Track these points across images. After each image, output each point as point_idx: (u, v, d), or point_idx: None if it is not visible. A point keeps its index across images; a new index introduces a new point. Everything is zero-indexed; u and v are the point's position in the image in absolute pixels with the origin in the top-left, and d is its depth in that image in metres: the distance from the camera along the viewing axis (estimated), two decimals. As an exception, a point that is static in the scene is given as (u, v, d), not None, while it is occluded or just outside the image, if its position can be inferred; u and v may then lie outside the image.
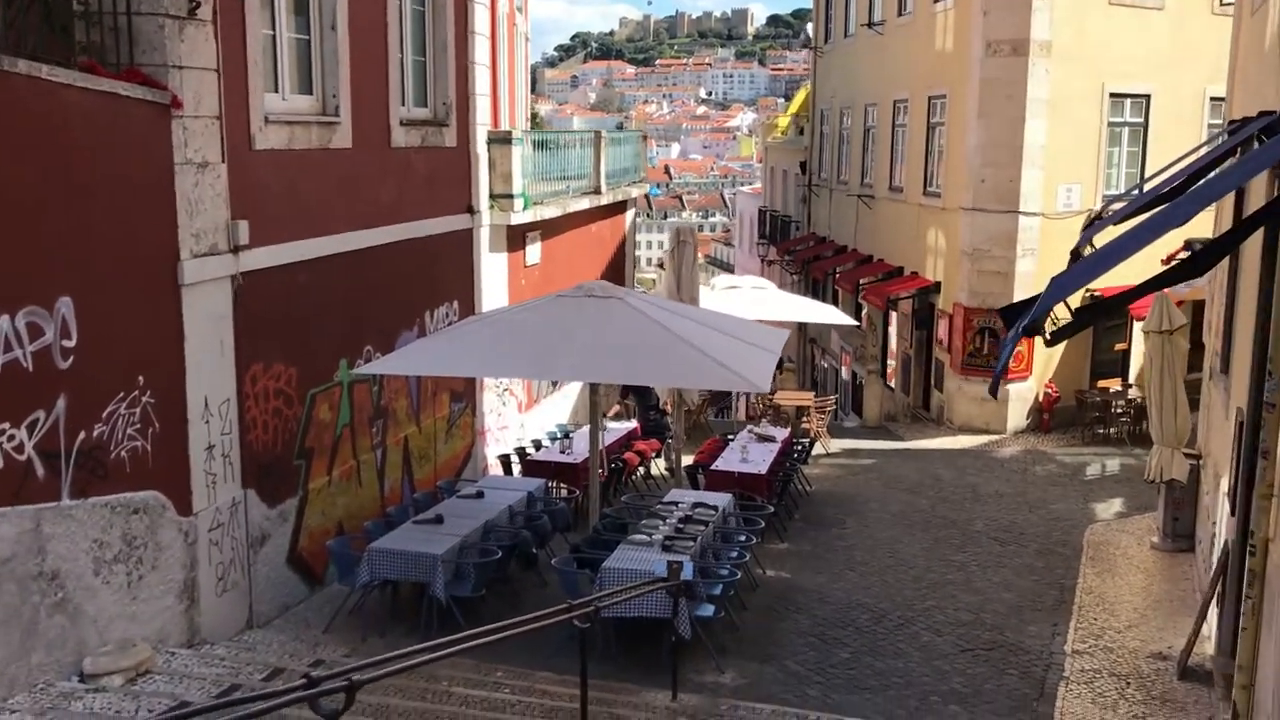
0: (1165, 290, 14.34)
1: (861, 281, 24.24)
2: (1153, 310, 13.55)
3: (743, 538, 11.16)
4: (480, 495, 11.76)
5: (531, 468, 13.88)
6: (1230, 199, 11.38)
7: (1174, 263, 14.16)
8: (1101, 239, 9.32)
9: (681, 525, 10.81)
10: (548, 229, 16.85)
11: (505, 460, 14.57)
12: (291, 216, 10.41)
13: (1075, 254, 8.24)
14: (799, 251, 31.48)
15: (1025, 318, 5.98)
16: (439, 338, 10.88)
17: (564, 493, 13.54)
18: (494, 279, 15.06)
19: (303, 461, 10.83)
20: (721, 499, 12.00)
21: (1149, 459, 13.58)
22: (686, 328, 10.17)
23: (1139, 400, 19.68)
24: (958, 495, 16.05)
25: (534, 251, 16.43)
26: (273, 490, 10.32)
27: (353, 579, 10.09)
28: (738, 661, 9.67)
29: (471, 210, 14.43)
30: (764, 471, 13.53)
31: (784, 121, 40.26)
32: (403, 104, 12.62)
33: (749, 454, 14.15)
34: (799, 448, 15.86)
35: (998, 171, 19.57)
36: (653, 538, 10.37)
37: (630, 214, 21.72)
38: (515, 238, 15.75)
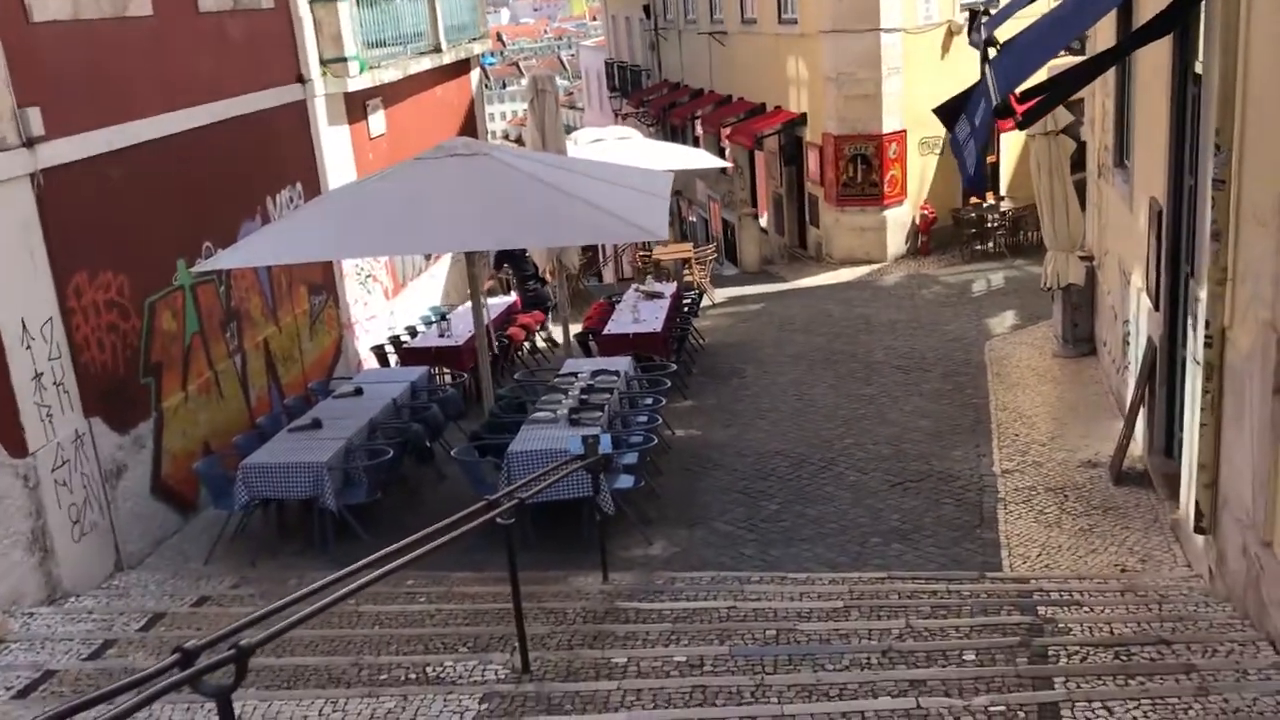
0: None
1: (724, 123, 23.31)
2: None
3: (650, 400, 10.44)
4: (359, 392, 10.72)
5: (410, 356, 12.81)
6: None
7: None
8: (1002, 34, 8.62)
9: (585, 396, 10.01)
10: (389, 95, 15.38)
11: (380, 351, 13.44)
12: (93, 100, 8.92)
13: (986, 44, 7.49)
14: (653, 100, 30.30)
15: (979, 105, 5.17)
16: (286, 222, 9.63)
17: (450, 378, 12.55)
18: (338, 155, 13.65)
19: (151, 379, 9.58)
20: (621, 363, 11.22)
21: (1044, 266, 13.29)
22: (567, 180, 9.18)
23: (1013, 212, 19.55)
24: (851, 328, 15.64)
25: (378, 121, 14.99)
26: (122, 415, 9.10)
27: (229, 502, 9.02)
28: (664, 529, 9.04)
29: (302, 79, 12.92)
30: (659, 329, 12.78)
31: (620, -34, 38.34)
32: (205, -39, 10.98)
33: (640, 313, 13.36)
34: (688, 301, 15.13)
35: (855, -12, 18.69)
36: (557, 413, 9.55)
37: (475, 74, 20.20)
38: (355, 107, 14.29)
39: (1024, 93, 4.67)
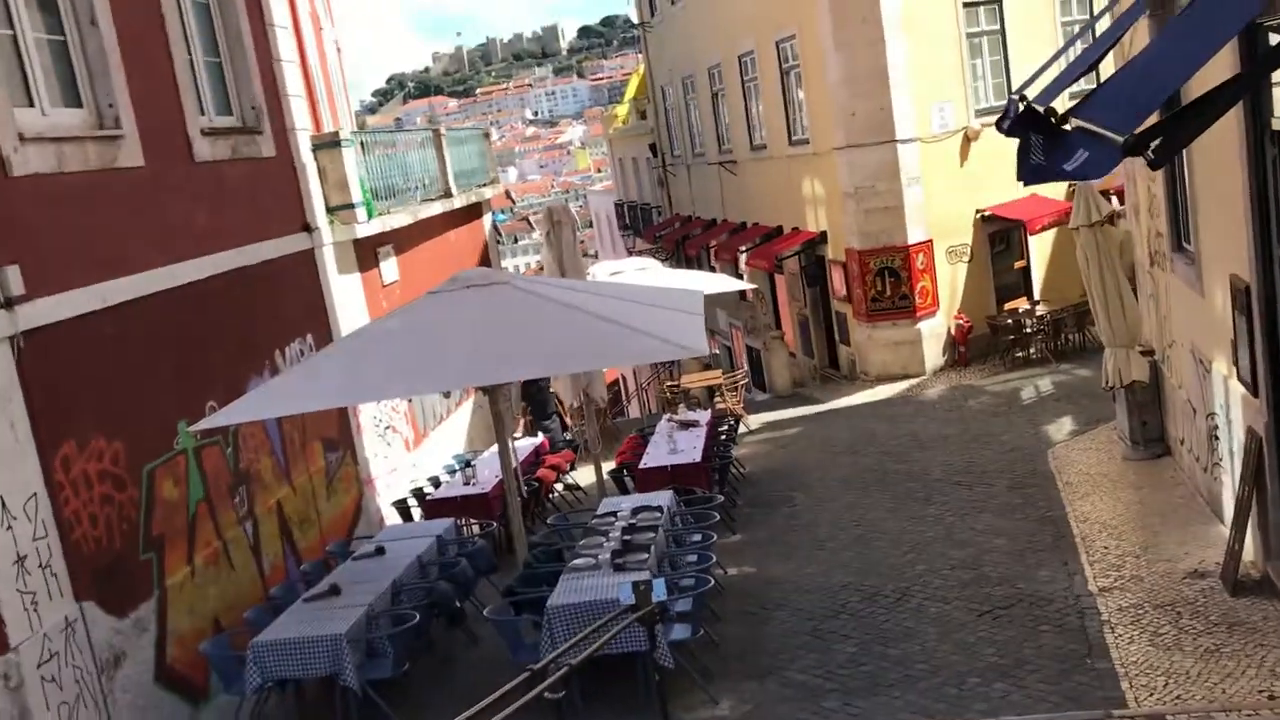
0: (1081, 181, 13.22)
1: (742, 248, 22.85)
2: (1076, 205, 12.43)
3: (699, 537, 9.49)
4: (380, 552, 9.82)
5: (434, 508, 11.92)
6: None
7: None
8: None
9: (628, 537, 9.07)
10: (401, 241, 14.92)
11: (402, 507, 12.56)
12: (80, 255, 8.31)
13: (1047, 113, 6.81)
14: (666, 235, 30.01)
15: (1072, 151, 4.38)
16: (294, 372, 8.90)
17: (478, 529, 11.64)
18: (349, 304, 13.06)
19: (152, 554, 8.70)
20: (662, 498, 10.31)
21: (1104, 365, 12.48)
22: (595, 303, 8.47)
23: (1050, 315, 18.78)
24: (900, 446, 14.71)
25: (390, 268, 14.48)
26: (119, 596, 8.19)
27: (241, 686, 8.05)
28: (730, 684, 7.99)
29: (308, 227, 12.41)
30: (699, 459, 11.90)
31: (623, 110, 38.83)
32: (202, 111, 10.57)
33: (677, 443, 12.49)
34: (724, 428, 14.28)
35: (867, 102, 18.37)
36: (599, 559, 8.61)
37: (488, 218, 19.89)
38: (366, 255, 13.78)
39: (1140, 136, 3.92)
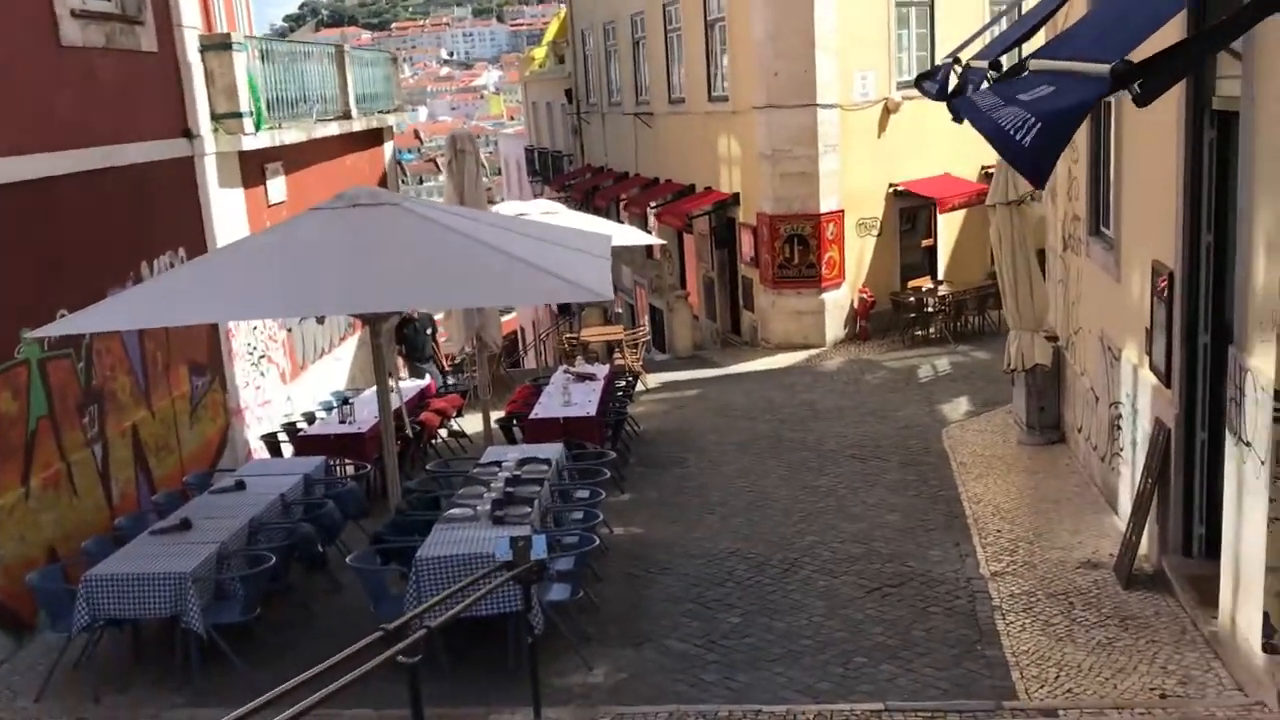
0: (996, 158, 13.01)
1: (652, 204, 22.30)
2: (995, 181, 12.18)
3: (587, 494, 8.99)
4: (240, 487, 9.08)
5: (306, 445, 11.17)
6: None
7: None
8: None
9: (510, 489, 8.51)
10: (292, 160, 13.98)
11: (272, 441, 11.76)
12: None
13: (991, 66, 6.40)
14: (576, 184, 29.29)
15: (1037, 89, 3.93)
16: (157, 283, 8.07)
17: (352, 470, 10.94)
18: (230, 220, 12.13)
19: (-20, 472, 7.87)
20: (551, 450, 9.77)
21: (1007, 347, 12.32)
22: (494, 235, 7.83)
23: (953, 296, 18.70)
24: (797, 415, 14.42)
25: (277, 187, 13.55)
26: (-64, 517, 7.37)
27: (67, 623, 7.29)
28: (607, 650, 7.52)
29: (189, 133, 11.45)
30: (594, 413, 11.37)
31: (541, 53, 37.76)
32: (74, -10, 9.57)
33: (571, 396, 11.94)
34: (622, 385, 13.78)
35: (790, 63, 17.91)
36: (477, 509, 8.04)
37: (389, 146, 18.91)
38: (252, 170, 12.84)
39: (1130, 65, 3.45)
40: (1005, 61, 7.06)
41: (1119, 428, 9.35)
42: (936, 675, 6.92)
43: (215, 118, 11.92)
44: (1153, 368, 8.11)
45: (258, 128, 12.39)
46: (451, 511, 8.09)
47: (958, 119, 6.08)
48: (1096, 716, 6.07)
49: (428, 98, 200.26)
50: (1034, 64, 4.67)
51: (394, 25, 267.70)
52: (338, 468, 11.00)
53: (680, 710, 6.52)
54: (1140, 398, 8.56)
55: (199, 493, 9.34)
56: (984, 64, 6.77)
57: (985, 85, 6.00)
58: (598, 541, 7.65)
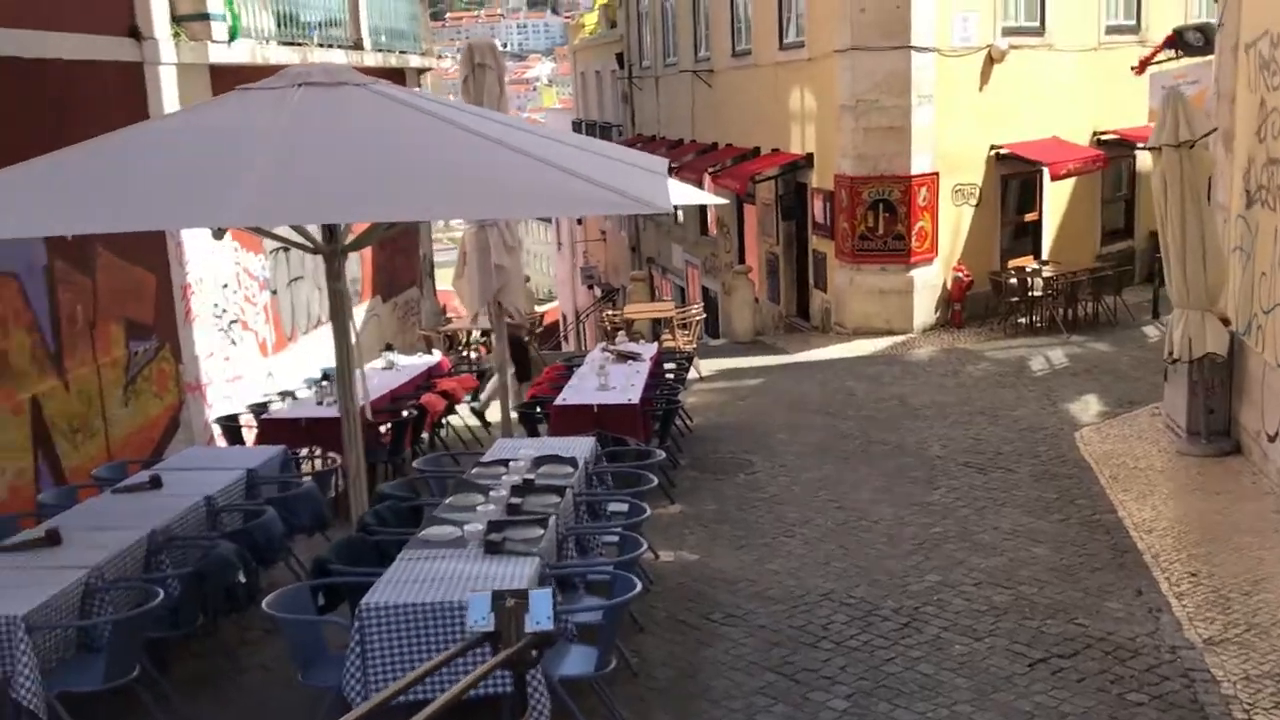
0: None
1: (709, 169, 19.65)
2: (1161, 119, 9.51)
3: (624, 508, 6.44)
4: (156, 484, 6.65)
5: (270, 431, 8.70)
6: None
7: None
8: None
9: (517, 499, 5.97)
10: (283, 87, 11.54)
11: (229, 425, 9.25)
12: None
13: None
14: (625, 155, 26.70)
15: None
16: (25, 167, 5.54)
17: (320, 465, 8.48)
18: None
19: None
20: (580, 447, 7.21)
21: (1170, 330, 9.67)
22: (518, 138, 5.32)
23: (1064, 278, 15.91)
24: (887, 412, 11.78)
25: (263, 117, 11.12)
26: None
27: None
28: (648, 748, 5.00)
29: (137, 33, 9.06)
30: (636, 400, 8.83)
31: (591, 18, 35.26)
32: None
33: (609, 378, 9.41)
34: (675, 368, 11.22)
35: (880, -2, 15.23)
36: (466, 529, 5.51)
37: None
38: (224, 90, 10.40)
39: None
40: None
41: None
42: (1174, 823, 4.33)
43: (176, 19, 9.52)
44: None
45: (232, 37, 9.98)
46: (429, 531, 5.57)
47: None
48: None
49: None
50: None
51: (448, 15, 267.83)
52: (309, 460, 8.55)
53: None
54: None
55: (107, 489, 6.92)
56: None
57: None
58: (639, 587, 5.08)
